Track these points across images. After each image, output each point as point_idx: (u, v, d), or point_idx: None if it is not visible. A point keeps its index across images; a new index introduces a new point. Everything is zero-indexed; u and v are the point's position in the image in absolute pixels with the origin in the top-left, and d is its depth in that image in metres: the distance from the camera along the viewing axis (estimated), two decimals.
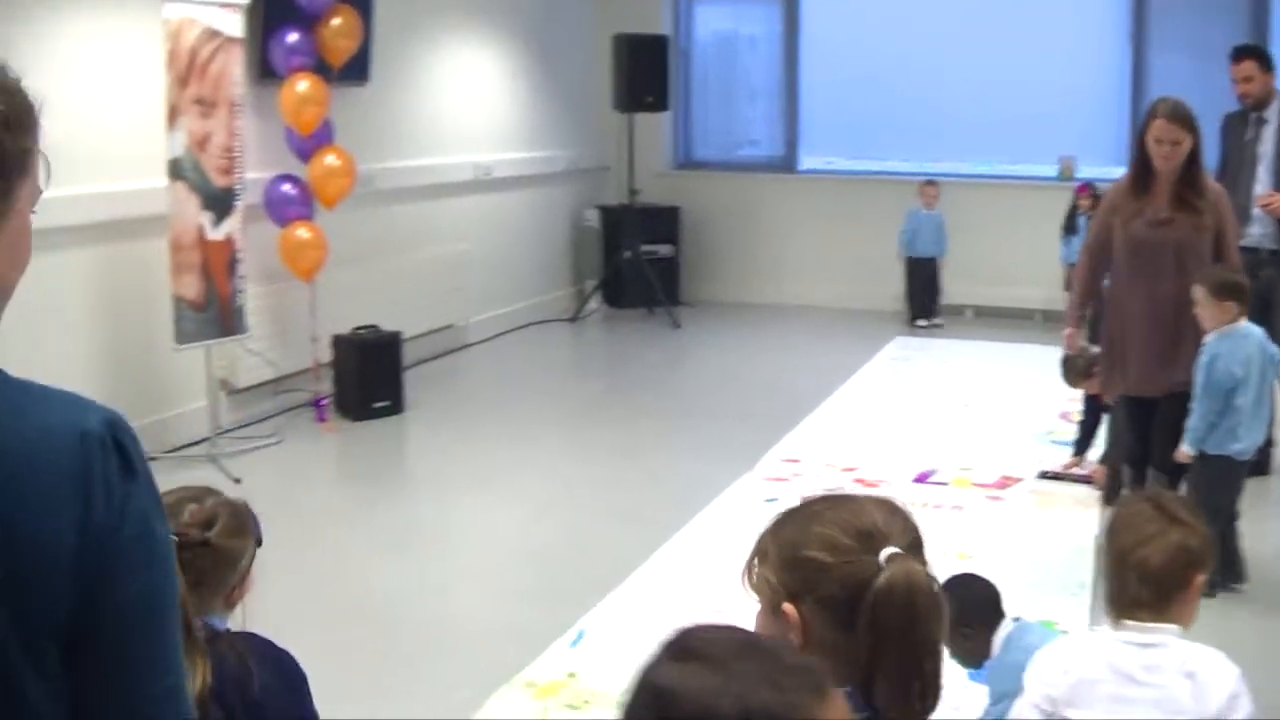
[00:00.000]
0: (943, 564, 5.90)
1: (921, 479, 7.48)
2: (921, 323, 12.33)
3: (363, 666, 5.23)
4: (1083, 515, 6.77)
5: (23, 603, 1.53)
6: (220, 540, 2.57)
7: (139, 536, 1.60)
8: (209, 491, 2.73)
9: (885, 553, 1.91)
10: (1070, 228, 11.50)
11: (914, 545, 1.96)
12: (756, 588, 2.05)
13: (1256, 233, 7.35)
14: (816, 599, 1.95)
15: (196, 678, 2.24)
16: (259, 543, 2.74)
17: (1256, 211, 7.31)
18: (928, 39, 13.01)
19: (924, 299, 12.43)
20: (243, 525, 2.69)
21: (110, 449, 1.59)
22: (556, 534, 6.75)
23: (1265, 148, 7.40)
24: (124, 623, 1.58)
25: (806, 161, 13.88)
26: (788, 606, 1.98)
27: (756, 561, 2.06)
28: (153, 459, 7.64)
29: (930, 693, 1.90)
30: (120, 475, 1.59)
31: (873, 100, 13.33)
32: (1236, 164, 7.48)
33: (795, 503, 2.08)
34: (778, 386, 10.00)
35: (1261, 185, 7.34)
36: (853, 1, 13.40)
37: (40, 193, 1.70)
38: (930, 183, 12.36)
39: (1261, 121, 7.47)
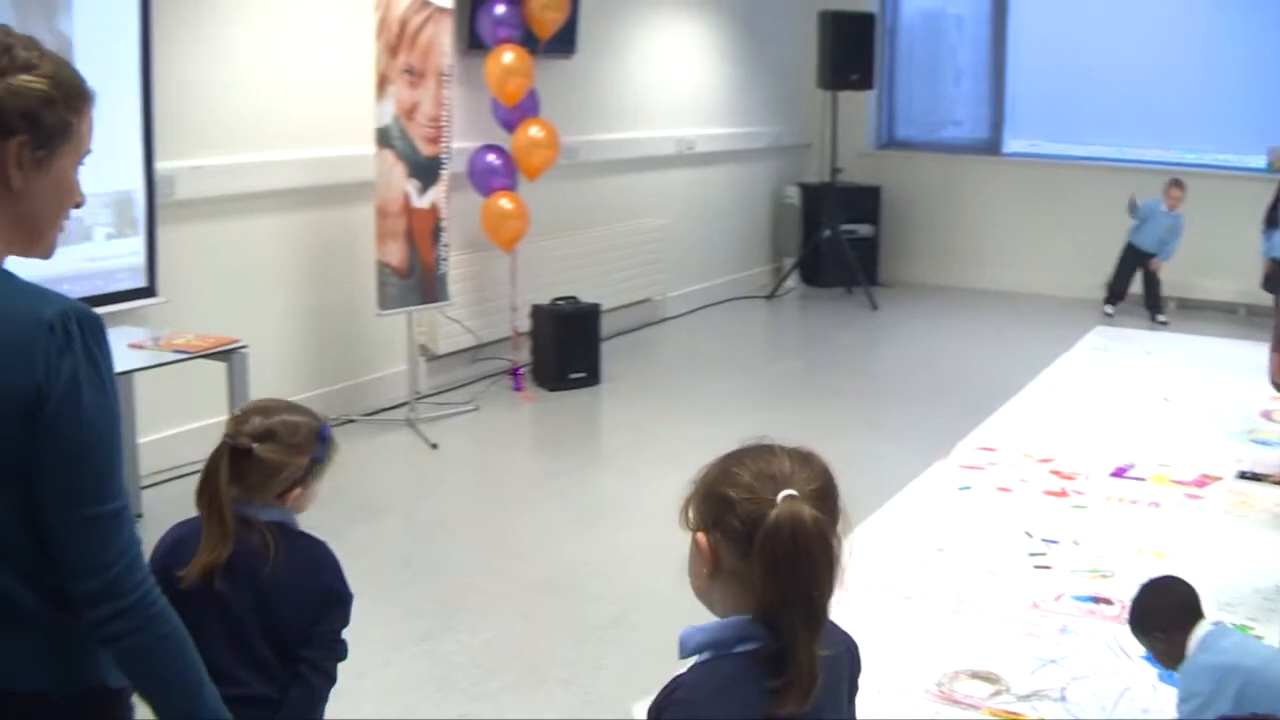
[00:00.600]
0: (1137, 562, 5.82)
1: (1119, 474, 7.34)
2: (1109, 309, 12.06)
3: (549, 636, 5.29)
4: None
5: None
6: (263, 453, 2.94)
7: (67, 400, 2.12)
8: (288, 408, 3.09)
9: (782, 494, 2.08)
10: (1272, 220, 11.20)
11: (817, 493, 2.13)
12: (690, 520, 2.25)
13: None
14: (722, 530, 2.15)
15: (213, 552, 2.88)
16: (317, 461, 3.05)
17: None
18: (1137, 23, 12.74)
19: (1124, 288, 12.15)
20: (295, 445, 3.01)
21: (58, 332, 2.13)
22: None
23: None
24: (60, 463, 2.13)
25: (1011, 144, 13.69)
26: (700, 535, 2.20)
27: (691, 496, 2.26)
28: (351, 421, 7.85)
29: (818, 619, 2.10)
30: (59, 352, 2.12)
31: (1080, 84, 13.10)
32: None
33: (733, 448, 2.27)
34: (974, 372, 9.89)
35: None
36: None
37: (87, 152, 2.28)
38: (1177, 183, 11.81)
39: None
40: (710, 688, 2.13)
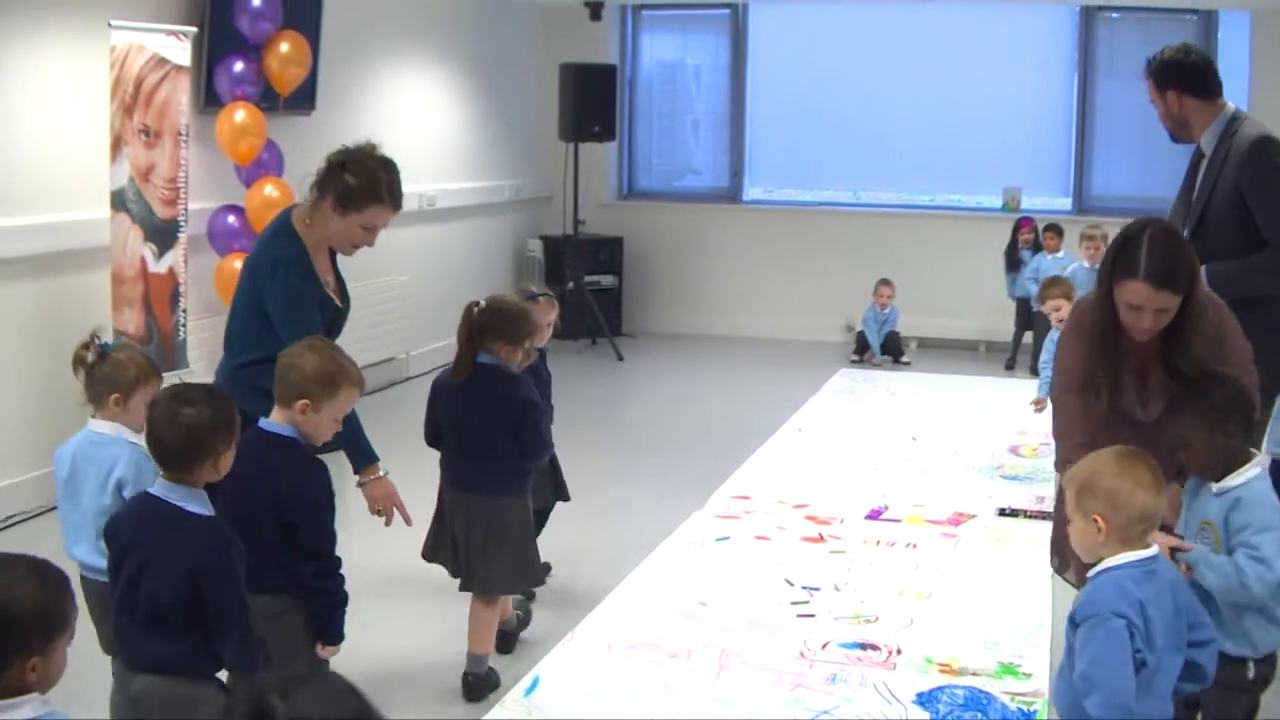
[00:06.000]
0: (900, 605, 5.84)
1: (874, 516, 7.41)
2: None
3: None
4: (1039, 552, 6.70)
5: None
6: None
7: (267, 286, 4.99)
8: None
9: None
10: (1014, 263, 11.49)
11: None
12: None
13: None
14: None
15: None
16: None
17: None
18: (875, 70, 13.10)
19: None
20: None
21: (273, 263, 5.01)
22: None
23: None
24: (271, 304, 5.02)
25: (751, 192, 13.89)
26: None
27: None
28: None
29: None
30: (271, 271, 5.00)
31: (818, 131, 13.43)
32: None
33: None
34: (724, 420, 9.94)
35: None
36: (800, 33, 13.45)
37: (375, 226, 5.32)
38: (1055, 229, 11.40)
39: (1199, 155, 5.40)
40: None
